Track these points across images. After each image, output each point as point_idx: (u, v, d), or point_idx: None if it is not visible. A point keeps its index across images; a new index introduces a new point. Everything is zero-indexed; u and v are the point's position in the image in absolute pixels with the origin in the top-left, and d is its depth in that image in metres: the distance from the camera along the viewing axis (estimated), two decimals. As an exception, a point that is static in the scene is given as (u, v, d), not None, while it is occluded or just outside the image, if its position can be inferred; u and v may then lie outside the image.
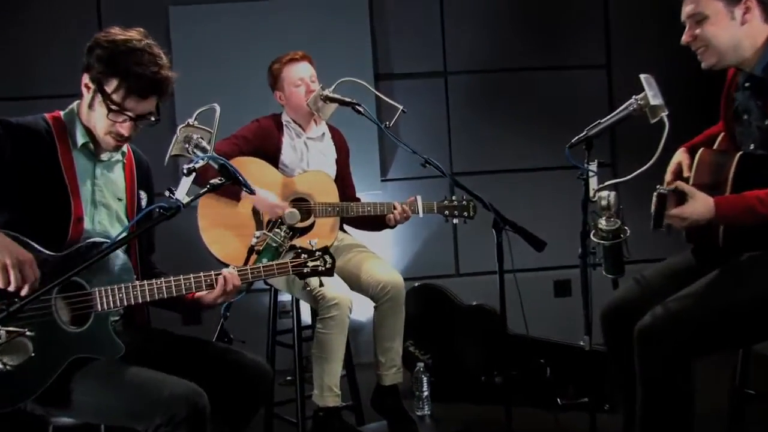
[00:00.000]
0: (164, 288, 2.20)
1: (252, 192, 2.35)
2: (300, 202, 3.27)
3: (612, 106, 4.70)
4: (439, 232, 4.70)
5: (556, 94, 4.82)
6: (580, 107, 4.70)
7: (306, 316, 3.31)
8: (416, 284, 4.14)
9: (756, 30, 2.31)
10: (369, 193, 4.44)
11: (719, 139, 2.56)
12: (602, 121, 2.39)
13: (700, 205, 2.27)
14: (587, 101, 4.77)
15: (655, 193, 2.30)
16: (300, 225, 3.21)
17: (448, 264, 4.80)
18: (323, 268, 2.48)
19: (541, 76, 4.83)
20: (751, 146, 2.37)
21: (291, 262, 2.44)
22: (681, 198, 2.29)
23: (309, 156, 3.41)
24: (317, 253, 2.48)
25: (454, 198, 3.40)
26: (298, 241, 2.77)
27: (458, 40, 4.77)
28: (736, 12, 2.30)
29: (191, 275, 2.25)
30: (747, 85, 2.39)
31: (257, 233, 2.58)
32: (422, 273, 4.61)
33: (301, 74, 3.36)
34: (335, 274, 3.19)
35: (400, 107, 3.13)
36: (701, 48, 2.36)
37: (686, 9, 2.36)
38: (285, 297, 3.45)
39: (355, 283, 3.29)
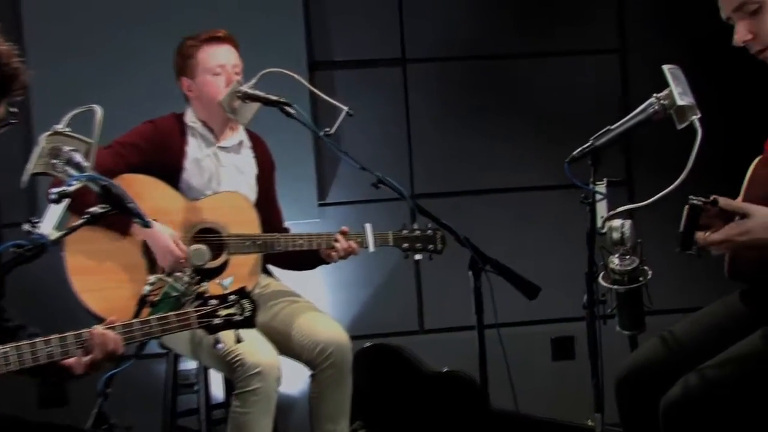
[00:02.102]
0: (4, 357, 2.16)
1: (147, 225, 2.34)
2: (208, 235, 3.26)
3: (627, 105, 4.77)
4: (398, 272, 4.71)
5: (553, 89, 4.88)
6: (585, 106, 4.76)
7: (218, 391, 3.28)
8: (367, 344, 4.15)
9: None
10: (302, 222, 4.43)
11: None
12: (613, 127, 2.45)
13: (759, 223, 2.28)
14: (593, 98, 4.83)
15: (686, 205, 2.32)
16: (210, 264, 3.21)
17: (409, 317, 4.80)
18: (241, 318, 2.49)
19: (533, 65, 4.88)
20: None
21: (195, 311, 2.44)
22: (727, 218, 2.32)
23: (221, 172, 3.41)
24: (231, 298, 2.48)
25: (416, 227, 3.43)
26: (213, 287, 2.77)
27: (422, 17, 4.81)
28: None
29: (53, 336, 2.23)
30: None
31: (151, 278, 2.57)
32: (375, 329, 4.59)
33: (221, 59, 3.38)
34: (259, 333, 3.19)
35: (345, 108, 3.17)
36: (765, 49, 2.38)
37: (729, 1, 2.38)
38: (189, 364, 3.41)
39: (285, 344, 3.28)
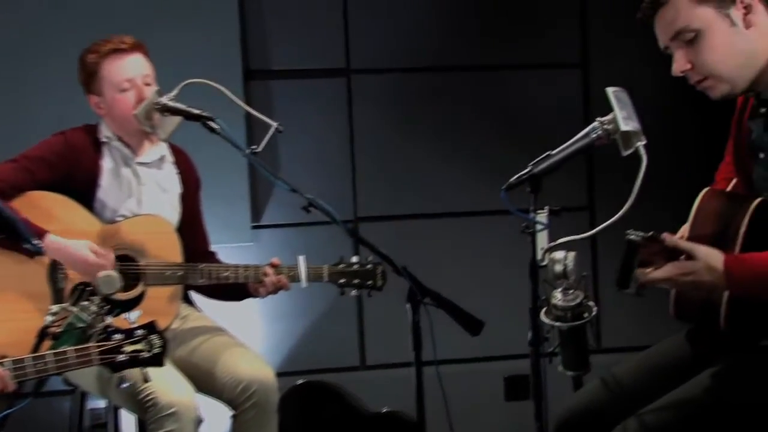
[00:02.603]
0: None
1: (37, 252, 2.32)
2: (123, 263, 3.25)
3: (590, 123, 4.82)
4: (339, 303, 4.64)
5: (510, 105, 4.92)
6: (544, 123, 4.79)
7: (129, 432, 3.26)
8: (299, 381, 4.14)
9: (767, 31, 2.39)
10: (233, 246, 4.43)
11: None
12: (554, 152, 2.46)
13: (703, 265, 2.32)
14: (554, 114, 4.87)
15: (626, 239, 2.35)
16: (121, 296, 3.17)
17: (350, 351, 4.80)
18: (148, 355, 2.48)
19: (489, 78, 4.92)
20: None
21: (97, 347, 2.43)
22: (671, 256, 2.36)
23: (141, 191, 3.39)
24: (138, 333, 2.47)
25: (354, 260, 3.43)
26: (118, 321, 2.74)
27: (368, 24, 4.83)
28: (734, 14, 2.38)
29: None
30: (765, 110, 2.48)
31: (54, 308, 2.55)
32: (313, 364, 4.60)
33: (129, 73, 3.34)
34: (176, 370, 3.17)
35: (274, 124, 3.16)
36: (704, 79, 2.43)
37: (664, 30, 2.44)
38: (100, 402, 3.38)
39: (206, 382, 3.26)
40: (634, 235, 2.33)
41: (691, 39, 2.41)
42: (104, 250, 3.17)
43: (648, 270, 2.36)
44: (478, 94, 4.91)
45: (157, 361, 2.49)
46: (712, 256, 2.33)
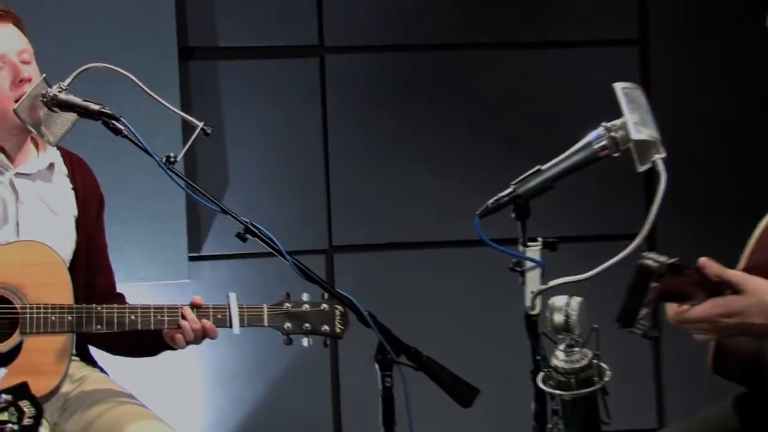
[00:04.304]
0: None
1: None
2: (-5, 305, 3.26)
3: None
4: (309, 355, 4.70)
5: (535, 92, 4.99)
6: (575, 119, 4.82)
7: None
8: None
9: None
10: (165, 284, 4.45)
11: None
12: (545, 167, 2.48)
13: (755, 302, 2.30)
14: (594, 107, 4.89)
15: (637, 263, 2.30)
16: None
17: (321, 421, 4.85)
18: (16, 427, 2.49)
19: (509, 59, 4.98)
20: None
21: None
22: (714, 290, 2.34)
23: (20, 210, 3.38)
24: (3, 398, 2.48)
25: (304, 298, 3.39)
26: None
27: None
28: None
29: None
30: None
31: None
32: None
33: (1, 48, 3.33)
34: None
35: (199, 124, 3.16)
36: None
37: None
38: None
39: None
40: (650, 260, 2.26)
41: None
42: None
43: (682, 307, 2.34)
44: (491, 80, 4.97)
45: (27, 434, 2.50)
46: (767, 291, 2.31)
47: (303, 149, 4.88)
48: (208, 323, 3.33)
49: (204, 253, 4.76)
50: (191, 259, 4.70)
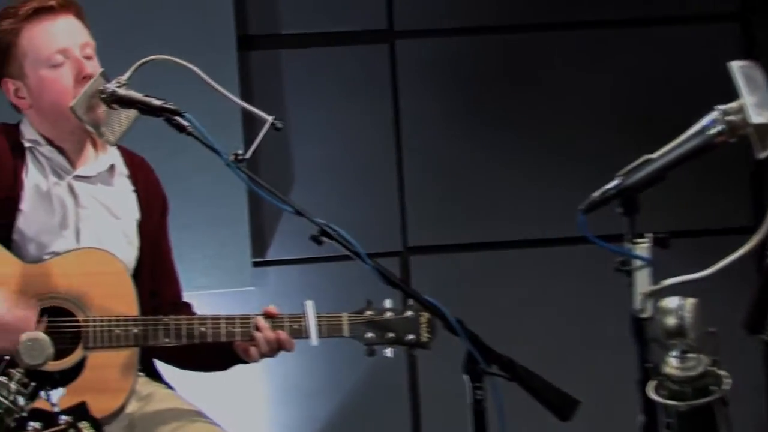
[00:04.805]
0: None
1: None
2: (54, 319, 3.24)
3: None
4: (385, 368, 4.70)
5: (636, 74, 4.97)
6: (674, 102, 4.83)
7: None
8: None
9: None
10: (227, 292, 4.47)
11: None
12: (655, 156, 2.47)
13: None
14: (696, 89, 4.88)
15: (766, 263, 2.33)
16: (53, 366, 3.13)
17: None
18: (75, 451, 2.51)
19: (598, 37, 4.99)
20: None
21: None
22: None
23: (80, 216, 3.41)
24: (63, 419, 2.51)
25: (387, 305, 3.43)
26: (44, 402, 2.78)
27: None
28: None
29: None
30: None
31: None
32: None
33: (61, 40, 3.34)
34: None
35: (269, 118, 3.16)
36: None
37: None
38: None
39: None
40: None
41: None
42: (25, 302, 3.21)
43: None
44: (579, 63, 4.97)
45: (90, 462, 2.52)
46: None
47: (373, 142, 4.89)
48: (283, 334, 3.34)
49: (269, 258, 4.78)
50: (255, 264, 4.72)
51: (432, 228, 4.88)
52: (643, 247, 2.50)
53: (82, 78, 3.32)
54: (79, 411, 2.54)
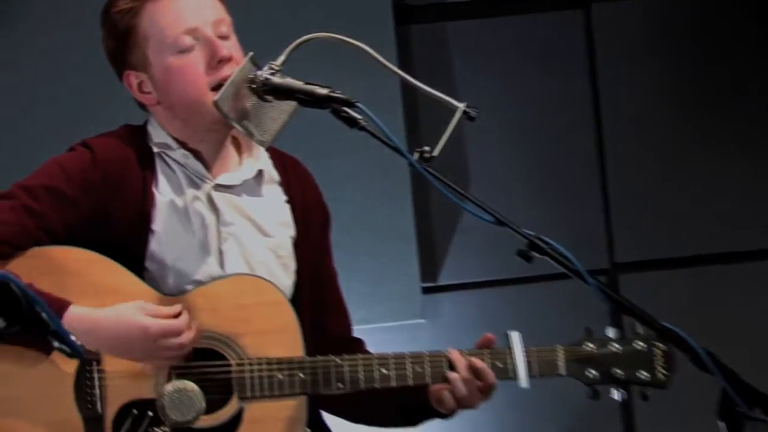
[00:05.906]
0: None
1: (76, 353, 2.37)
2: (201, 363, 3.26)
3: None
4: (598, 416, 4.74)
5: None
6: None
7: None
8: None
9: None
10: (393, 325, 4.48)
11: None
12: None
13: None
14: None
15: None
16: (205, 422, 3.20)
17: None
18: None
19: None
20: None
21: None
22: None
23: (222, 236, 3.44)
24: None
25: (611, 334, 3.37)
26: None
27: None
28: None
29: None
30: None
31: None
32: None
33: (191, 18, 3.34)
34: None
35: (460, 105, 3.12)
36: None
37: None
38: None
39: None
40: None
41: None
42: (167, 312, 3.22)
43: None
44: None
45: None
46: None
47: (566, 135, 4.92)
48: (488, 372, 3.30)
49: (441, 282, 4.79)
50: (425, 291, 4.76)
51: (644, 241, 4.91)
52: None
53: (217, 62, 3.32)
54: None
